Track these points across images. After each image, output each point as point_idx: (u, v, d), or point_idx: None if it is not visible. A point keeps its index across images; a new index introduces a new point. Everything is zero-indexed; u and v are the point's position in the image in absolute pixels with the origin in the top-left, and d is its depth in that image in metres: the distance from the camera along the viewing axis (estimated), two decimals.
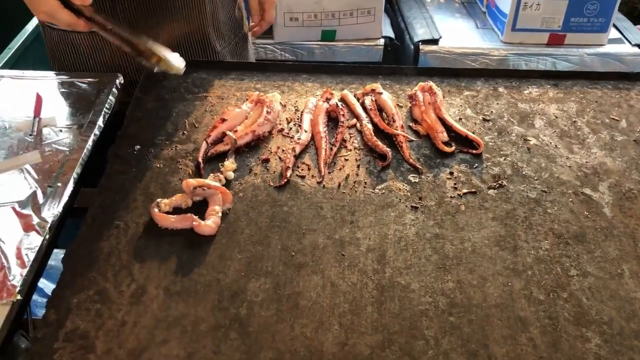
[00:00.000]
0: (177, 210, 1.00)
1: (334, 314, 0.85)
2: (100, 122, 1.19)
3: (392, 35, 2.45)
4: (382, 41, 2.39)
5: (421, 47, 2.32)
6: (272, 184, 1.07)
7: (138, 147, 1.13)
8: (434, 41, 2.34)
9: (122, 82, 1.30)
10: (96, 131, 1.17)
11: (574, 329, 0.84)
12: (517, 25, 2.33)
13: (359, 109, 1.24)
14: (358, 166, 1.12)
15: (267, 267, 0.92)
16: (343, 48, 2.42)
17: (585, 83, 1.38)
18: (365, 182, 1.08)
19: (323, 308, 0.86)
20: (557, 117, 1.26)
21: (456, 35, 2.45)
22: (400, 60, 2.51)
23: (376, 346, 0.82)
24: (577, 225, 1.01)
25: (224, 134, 1.14)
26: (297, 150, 1.12)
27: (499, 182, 1.09)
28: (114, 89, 1.28)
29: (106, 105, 1.23)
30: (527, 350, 0.82)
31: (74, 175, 1.06)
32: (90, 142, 1.14)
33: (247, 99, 1.24)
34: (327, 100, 1.25)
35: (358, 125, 1.21)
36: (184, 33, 1.36)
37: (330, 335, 0.83)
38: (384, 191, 1.06)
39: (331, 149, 1.14)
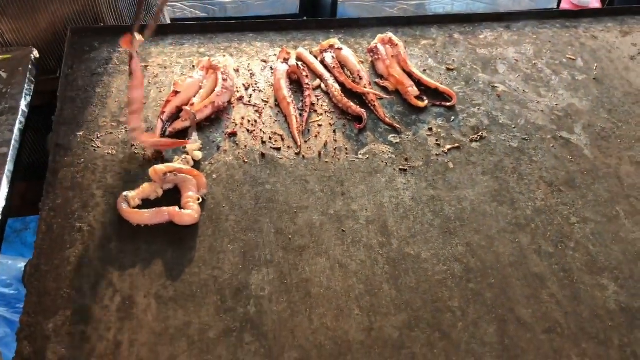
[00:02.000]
0: (145, 203, 0.87)
1: (350, 297, 0.78)
2: (22, 106, 1.00)
3: None
4: None
5: None
6: (246, 160, 0.96)
7: (80, 133, 0.97)
8: None
9: (37, 56, 1.11)
10: (20, 118, 0.99)
11: (590, 279, 0.83)
12: None
13: (321, 68, 1.14)
14: (334, 131, 1.03)
15: (265, 256, 0.82)
16: (257, 1, 2.28)
17: (535, 23, 1.36)
18: (347, 148, 1.00)
19: (338, 293, 0.79)
20: (517, 61, 1.24)
21: None
22: (318, 10, 2.41)
23: (403, 326, 0.76)
24: (565, 171, 1.00)
25: (179, 109, 1.01)
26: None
27: (480, 134, 1.05)
28: (29, 66, 1.08)
29: (25, 87, 1.04)
30: (551, 307, 0.79)
31: (6, 173, 0.89)
32: (16, 132, 0.96)
33: (196, 66, 1.10)
34: (285, 60, 1.13)
35: (323, 86, 1.11)
36: (73, 12, 1.16)
37: (353, 323, 0.76)
38: (367, 156, 0.99)
39: (301, 115, 1.04)
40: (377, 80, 1.15)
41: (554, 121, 1.10)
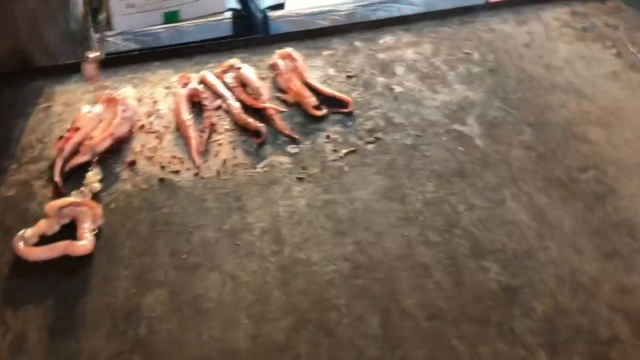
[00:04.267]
0: (44, 239, 0.90)
1: (240, 308, 0.81)
2: None
3: (237, 6, 2.37)
4: (228, 14, 2.31)
5: (269, 14, 2.27)
6: (144, 187, 0.99)
7: None
8: (280, 6, 2.30)
9: None
10: None
11: (473, 263, 0.87)
12: None
13: (222, 89, 1.17)
14: (234, 148, 1.06)
15: (159, 277, 0.85)
16: (190, 27, 2.31)
17: (434, 23, 1.41)
18: (245, 163, 1.03)
19: (228, 305, 0.81)
20: (415, 61, 1.28)
21: None
22: (252, 30, 2.45)
23: (290, 329, 0.79)
24: (455, 162, 1.04)
25: (79, 144, 1.04)
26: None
27: (375, 135, 1.09)
28: None
29: None
30: (435, 294, 0.83)
31: None
32: None
33: (96, 101, 1.13)
34: (185, 85, 1.17)
35: (224, 105, 1.15)
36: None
37: (241, 331, 0.78)
38: (266, 168, 1.02)
39: (201, 136, 1.08)
40: (278, 94, 1.18)
41: (448, 115, 1.14)
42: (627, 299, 0.82)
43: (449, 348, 0.76)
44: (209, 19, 2.33)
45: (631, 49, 1.32)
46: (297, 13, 2.37)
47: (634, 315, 0.80)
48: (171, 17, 2.28)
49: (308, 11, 2.35)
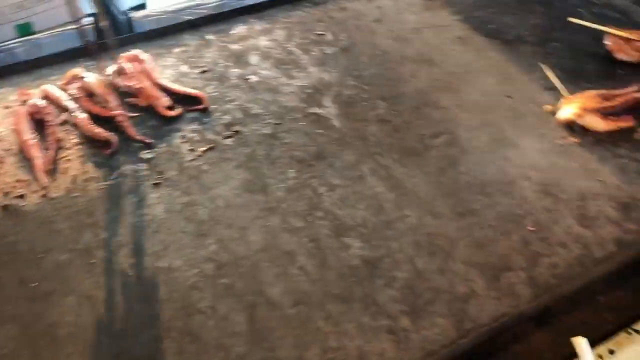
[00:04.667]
0: None
1: (100, 328, 0.77)
2: None
3: (95, 10, 2.26)
4: (88, 20, 2.19)
5: (131, 15, 2.17)
6: None
7: None
8: (142, 6, 2.21)
9: None
10: None
11: (335, 242, 0.88)
12: None
13: (66, 101, 1.11)
14: (84, 162, 1.01)
15: (7, 311, 0.79)
16: (47, 39, 2.17)
17: (287, 8, 1.40)
18: (97, 177, 0.98)
19: (86, 328, 0.77)
20: (269, 49, 1.27)
21: None
22: (118, 34, 2.34)
23: (153, 341, 0.76)
24: (315, 145, 1.04)
25: None
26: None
27: (233, 129, 1.07)
28: None
29: None
30: (300, 279, 0.83)
31: None
32: None
33: None
34: (25, 102, 1.09)
35: (70, 118, 1.08)
36: None
37: (102, 353, 0.75)
38: (119, 179, 0.98)
39: (47, 154, 1.01)
40: (128, 99, 1.13)
41: (305, 99, 1.14)
42: (481, 254, 0.86)
43: (315, 331, 0.77)
44: (67, 28, 2.21)
45: (475, 13, 1.38)
46: (161, 11, 2.29)
47: (488, 267, 0.84)
48: (25, 29, 2.13)
49: (172, 8, 2.28)
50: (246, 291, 0.81)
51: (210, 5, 2.37)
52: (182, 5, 2.31)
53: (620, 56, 1.20)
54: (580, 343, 0.63)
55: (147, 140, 1.04)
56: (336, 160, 1.01)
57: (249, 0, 2.51)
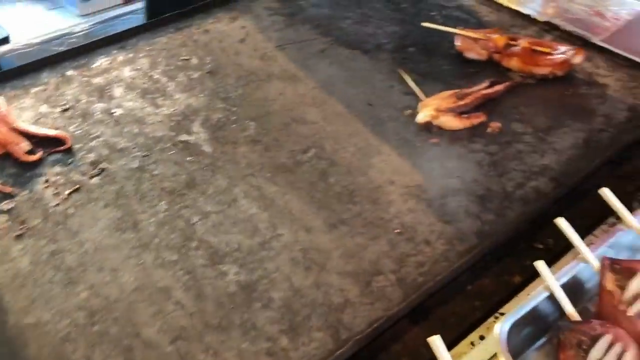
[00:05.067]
0: None
1: None
2: None
3: None
4: None
5: None
6: None
7: None
8: (4, 40, 2.10)
9: None
10: None
11: (211, 271, 0.88)
12: None
13: None
14: None
15: None
16: None
17: (149, 35, 1.38)
18: None
19: None
20: (134, 79, 1.25)
21: (30, 25, 2.25)
22: None
23: None
24: (185, 174, 1.03)
25: None
26: None
27: (99, 167, 1.05)
28: None
29: None
30: (176, 314, 0.82)
31: None
32: None
33: None
34: None
35: None
36: None
37: None
38: None
39: None
40: None
41: (173, 127, 1.13)
42: (353, 262, 0.89)
43: None
44: None
45: (335, 25, 1.42)
46: (27, 45, 2.19)
47: (360, 274, 0.87)
48: None
49: (39, 40, 2.18)
50: (121, 335, 0.80)
51: (80, 33, 2.30)
52: (51, 36, 2.23)
53: (470, 55, 1.28)
54: (435, 340, 0.67)
55: (7, 190, 0.99)
56: (208, 187, 1.01)
57: (118, 27, 2.45)
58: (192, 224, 0.95)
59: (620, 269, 0.70)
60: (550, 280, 0.70)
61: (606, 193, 0.79)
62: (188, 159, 1.06)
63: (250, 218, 0.96)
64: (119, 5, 2.40)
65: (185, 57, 1.31)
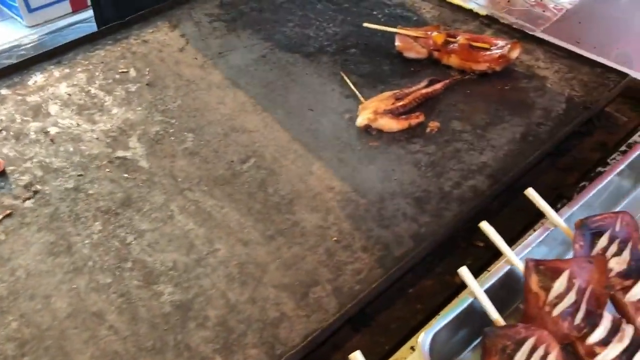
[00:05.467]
0: None
1: None
2: None
3: None
4: None
5: None
6: None
7: None
8: None
9: None
10: None
11: (146, 292, 0.86)
12: (31, 4, 2.19)
13: None
14: None
15: None
16: None
17: (87, 48, 1.36)
18: None
19: None
20: (70, 95, 1.22)
21: None
22: None
23: None
24: (121, 191, 1.02)
25: None
26: None
27: (33, 189, 1.02)
28: None
29: None
30: (109, 339, 0.81)
31: None
32: None
33: None
34: None
35: None
36: None
37: None
38: None
39: None
40: None
41: (110, 144, 1.11)
42: (290, 274, 0.88)
43: None
44: None
45: (277, 29, 1.41)
46: None
47: (297, 286, 0.86)
48: None
49: None
50: None
51: (29, 45, 2.25)
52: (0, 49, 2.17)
53: (410, 55, 1.28)
54: (356, 356, 0.67)
55: None
56: (144, 204, 1.00)
57: (69, 37, 2.40)
58: (127, 244, 0.93)
59: (545, 270, 0.71)
60: (475, 287, 0.70)
61: (531, 193, 0.79)
62: (124, 175, 1.05)
63: (186, 234, 0.94)
64: (67, 14, 2.35)
65: (124, 70, 1.29)
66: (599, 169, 1.08)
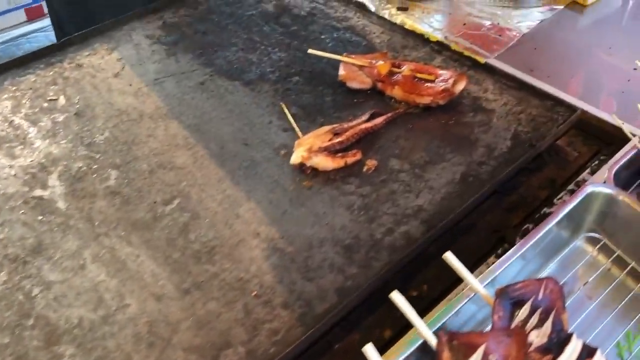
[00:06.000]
0: None
1: None
2: None
3: None
4: None
5: None
6: None
7: None
8: None
9: None
10: None
11: (45, 354, 0.80)
12: None
13: None
14: None
15: None
16: None
17: (16, 72, 1.29)
18: None
19: None
20: None
21: None
22: None
23: None
24: (33, 236, 0.96)
25: None
26: None
27: None
28: None
29: None
30: None
31: None
32: None
33: None
34: None
35: None
36: None
37: None
38: None
39: None
40: None
41: (27, 182, 1.05)
42: (202, 334, 0.83)
43: None
44: None
45: (218, 53, 1.35)
46: None
47: (208, 349, 0.81)
48: None
49: None
50: None
51: None
52: None
53: (354, 85, 1.23)
54: None
55: None
56: (56, 251, 0.93)
57: (25, 46, 2.32)
58: (32, 297, 0.87)
59: (458, 345, 0.66)
60: None
61: (449, 258, 0.74)
62: (39, 218, 0.98)
63: (96, 287, 0.88)
64: (23, 23, 2.28)
65: (53, 97, 1.22)
66: (545, 209, 1.03)
